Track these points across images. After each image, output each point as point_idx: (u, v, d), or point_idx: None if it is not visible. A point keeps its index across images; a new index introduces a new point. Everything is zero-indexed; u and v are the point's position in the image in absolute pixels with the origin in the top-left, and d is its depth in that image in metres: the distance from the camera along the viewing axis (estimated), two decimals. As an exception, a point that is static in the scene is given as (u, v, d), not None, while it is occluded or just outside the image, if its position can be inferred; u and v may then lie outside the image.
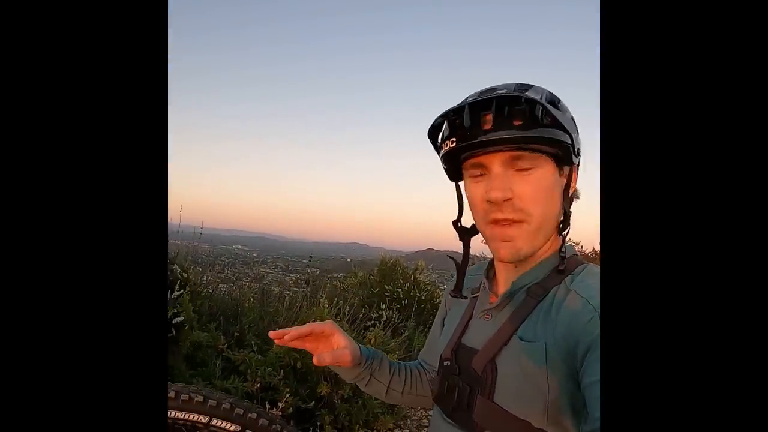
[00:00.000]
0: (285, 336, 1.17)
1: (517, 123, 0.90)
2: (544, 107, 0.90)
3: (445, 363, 1.10)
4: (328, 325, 1.21)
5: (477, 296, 1.16)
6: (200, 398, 1.41)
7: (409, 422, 4.29)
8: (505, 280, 1.08)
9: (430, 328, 5.02)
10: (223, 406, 1.43)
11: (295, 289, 6.51)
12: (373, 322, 5.38)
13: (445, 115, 0.97)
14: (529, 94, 0.92)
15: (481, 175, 0.99)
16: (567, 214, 1.01)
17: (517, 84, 0.97)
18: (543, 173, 0.95)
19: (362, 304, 6.17)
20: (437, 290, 7.20)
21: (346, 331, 4.07)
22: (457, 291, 1.16)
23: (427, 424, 4.32)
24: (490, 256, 1.10)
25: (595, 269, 0.99)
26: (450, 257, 1.17)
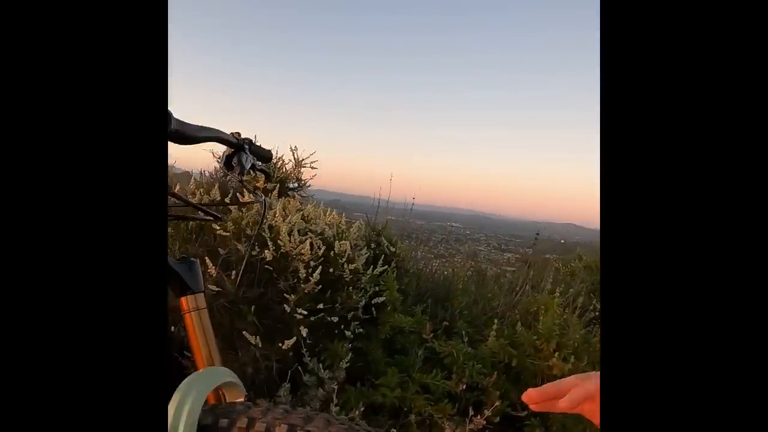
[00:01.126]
0: (561, 403, 0.80)
1: None
2: None
3: None
4: None
5: None
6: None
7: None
8: None
9: None
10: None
11: (510, 269, 6.18)
12: (598, 313, 4.73)
13: None
14: None
15: None
16: None
17: None
18: None
19: (588, 292, 5.50)
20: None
21: (574, 325, 3.54)
22: None
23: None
24: None
25: None
26: None
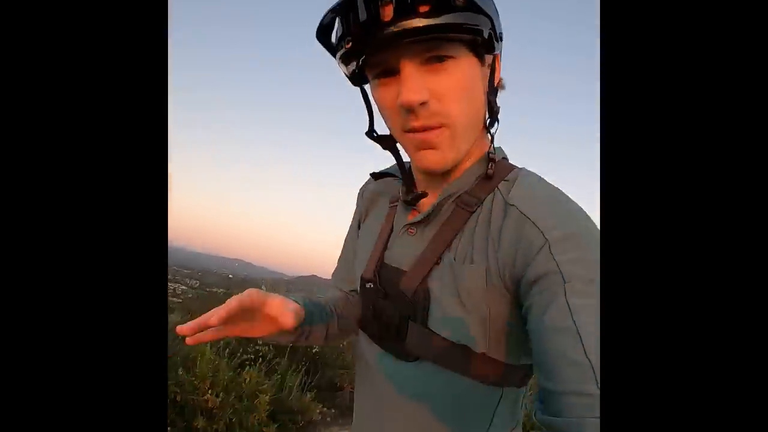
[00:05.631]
0: (211, 320, 0.81)
1: (423, 9, 0.74)
2: None
3: (368, 285, 0.98)
4: (254, 293, 0.88)
5: (396, 206, 1.04)
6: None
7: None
8: (428, 190, 0.96)
9: (302, 366, 5.26)
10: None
11: (176, 299, 6.23)
12: (249, 356, 5.43)
13: (335, 10, 0.81)
14: None
15: (389, 75, 0.83)
16: (494, 108, 0.90)
17: None
18: (461, 66, 0.81)
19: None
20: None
21: (223, 369, 4.21)
22: (409, 194, 0.98)
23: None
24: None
25: (532, 175, 0.89)
26: (382, 173, 1.09)
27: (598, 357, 0.63)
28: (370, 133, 0.95)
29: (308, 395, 5.14)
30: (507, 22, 0.90)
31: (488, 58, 0.87)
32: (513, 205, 0.82)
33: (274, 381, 5.03)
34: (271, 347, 6.08)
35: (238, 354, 5.21)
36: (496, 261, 0.81)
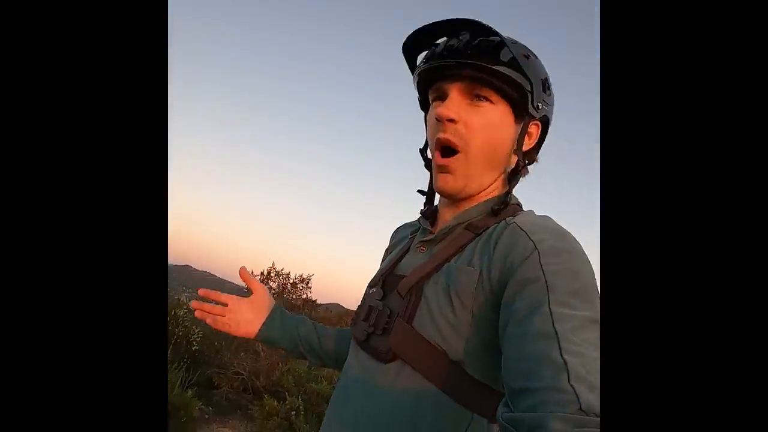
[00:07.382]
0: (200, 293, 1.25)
1: (475, 52, 0.92)
2: (509, 49, 0.92)
3: (371, 290, 1.05)
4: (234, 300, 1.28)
5: (415, 235, 1.13)
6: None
7: None
8: (445, 219, 1.05)
9: (185, 363, 5.37)
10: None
11: None
12: None
13: (417, 34, 1.00)
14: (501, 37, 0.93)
15: (439, 98, 0.99)
16: (518, 165, 1.02)
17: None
18: (493, 110, 0.95)
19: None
20: (194, 326, 6.89)
21: None
22: (429, 203, 1.14)
23: None
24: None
25: (536, 214, 0.97)
26: (419, 191, 1.17)
27: (575, 360, 0.66)
28: (422, 151, 1.11)
29: (189, 392, 5.22)
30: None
31: (523, 120, 0.99)
32: (512, 223, 0.90)
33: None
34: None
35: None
36: (489, 264, 0.86)
